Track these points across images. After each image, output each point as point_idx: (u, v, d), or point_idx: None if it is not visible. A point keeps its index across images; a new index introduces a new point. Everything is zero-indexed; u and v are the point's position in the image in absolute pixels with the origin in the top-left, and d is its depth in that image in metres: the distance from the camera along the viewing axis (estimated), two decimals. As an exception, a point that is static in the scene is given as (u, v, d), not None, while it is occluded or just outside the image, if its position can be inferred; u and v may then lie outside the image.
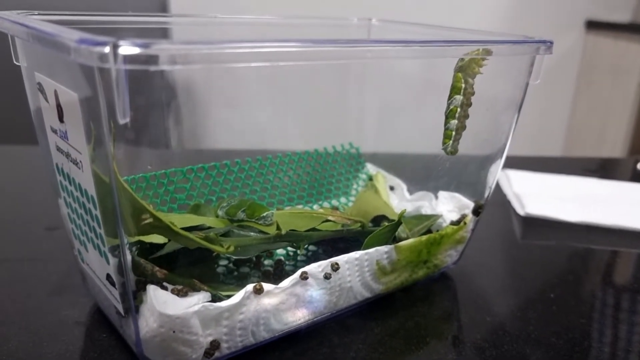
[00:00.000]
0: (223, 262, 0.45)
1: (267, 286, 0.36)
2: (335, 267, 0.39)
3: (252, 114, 0.73)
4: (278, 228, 0.41)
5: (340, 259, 0.40)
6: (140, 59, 0.25)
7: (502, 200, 0.71)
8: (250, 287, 0.36)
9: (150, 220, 0.34)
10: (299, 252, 0.47)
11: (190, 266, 0.41)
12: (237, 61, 0.27)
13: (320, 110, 0.63)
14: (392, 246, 0.43)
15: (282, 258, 0.46)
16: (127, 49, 0.24)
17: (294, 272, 0.38)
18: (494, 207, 0.68)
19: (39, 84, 0.35)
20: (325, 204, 0.57)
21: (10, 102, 0.95)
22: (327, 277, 0.39)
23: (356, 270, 0.41)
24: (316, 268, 0.39)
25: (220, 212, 0.44)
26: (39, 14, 0.39)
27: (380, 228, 0.43)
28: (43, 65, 0.34)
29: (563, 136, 2.04)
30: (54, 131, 0.35)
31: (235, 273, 0.44)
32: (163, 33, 0.50)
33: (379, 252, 0.42)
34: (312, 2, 1.68)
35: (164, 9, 1.30)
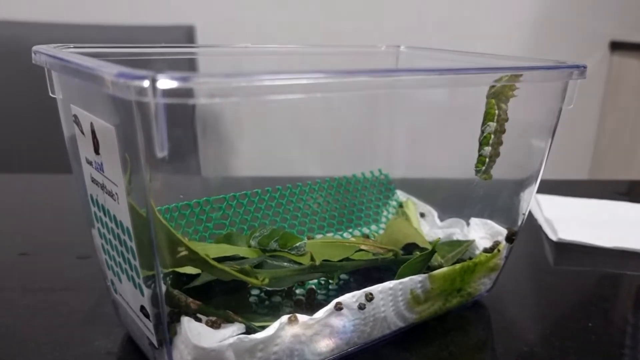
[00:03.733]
0: (255, 292, 0.44)
1: (301, 317, 0.36)
2: (369, 298, 0.39)
3: (281, 142, 0.74)
4: (312, 259, 0.41)
5: (375, 289, 0.39)
6: (178, 93, 0.25)
7: (533, 225, 0.70)
8: (284, 318, 0.35)
9: (185, 252, 0.34)
10: (331, 282, 0.46)
11: (223, 296, 0.41)
12: (273, 93, 0.27)
13: (349, 137, 0.63)
14: (426, 275, 0.42)
15: (314, 287, 0.46)
16: (166, 82, 0.24)
17: (326, 301, 0.38)
18: (525, 233, 0.67)
19: (75, 116, 0.35)
20: (356, 232, 0.57)
21: (43, 131, 0.97)
22: (361, 307, 0.39)
23: (390, 300, 0.41)
24: (350, 298, 0.38)
25: (252, 242, 0.44)
26: (74, 47, 0.39)
27: (414, 257, 0.43)
28: (79, 98, 0.35)
29: (590, 159, 2.01)
30: (89, 162, 0.35)
31: (267, 302, 0.44)
32: (193, 63, 0.50)
33: (413, 281, 0.41)
34: (337, 30, 1.69)
35: (190, 38, 1.32)
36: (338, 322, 0.38)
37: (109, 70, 0.26)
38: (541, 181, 0.47)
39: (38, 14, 1.32)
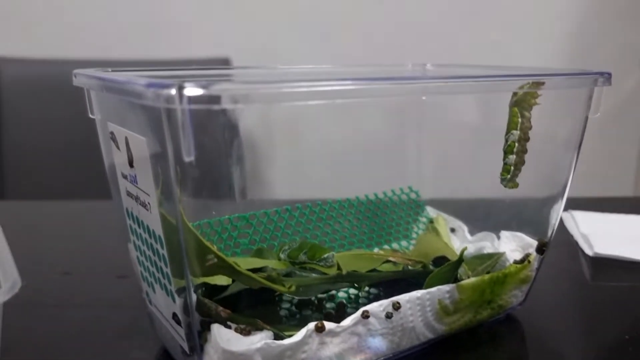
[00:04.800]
0: (285, 305, 0.45)
1: (328, 325, 0.36)
2: (396, 306, 0.39)
3: (312, 165, 0.75)
4: (339, 268, 0.41)
5: (402, 298, 0.40)
6: (203, 99, 0.26)
7: (568, 241, 0.69)
8: (312, 325, 0.36)
9: (214, 260, 0.35)
10: (360, 293, 0.47)
11: (253, 308, 0.41)
12: (296, 100, 0.29)
13: (378, 159, 0.64)
14: (454, 285, 0.42)
15: (344, 301, 0.46)
16: (192, 90, 0.26)
17: (356, 314, 0.38)
18: (560, 248, 0.66)
19: (112, 132, 0.37)
20: (386, 247, 0.57)
21: (90, 162, 1.01)
22: (388, 316, 0.39)
23: (418, 310, 0.41)
24: (377, 307, 0.39)
25: (282, 255, 0.45)
26: (112, 71, 0.42)
27: (441, 267, 0.43)
28: (115, 115, 0.37)
29: (633, 178, 1.97)
30: (125, 177, 0.37)
31: (297, 316, 0.44)
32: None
33: (441, 291, 0.42)
34: (367, 51, 1.70)
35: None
36: (365, 330, 0.38)
37: (139, 82, 0.28)
38: (580, 198, 0.47)
39: (81, 52, 1.38)
